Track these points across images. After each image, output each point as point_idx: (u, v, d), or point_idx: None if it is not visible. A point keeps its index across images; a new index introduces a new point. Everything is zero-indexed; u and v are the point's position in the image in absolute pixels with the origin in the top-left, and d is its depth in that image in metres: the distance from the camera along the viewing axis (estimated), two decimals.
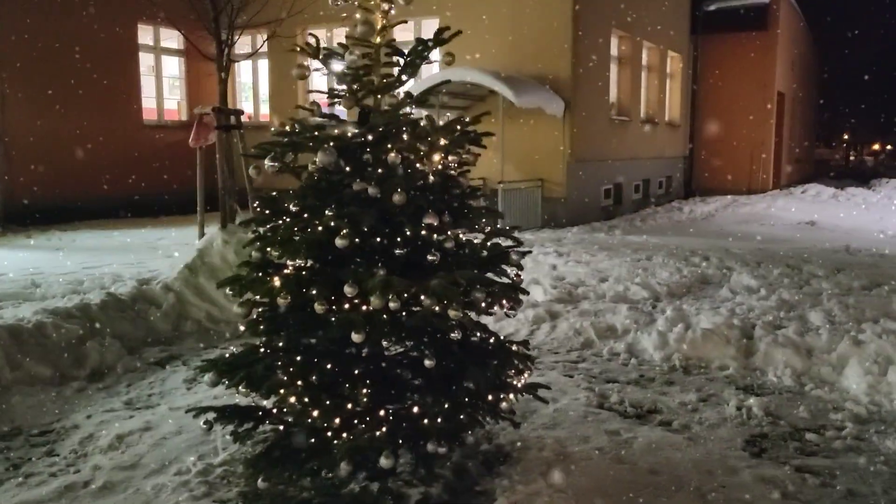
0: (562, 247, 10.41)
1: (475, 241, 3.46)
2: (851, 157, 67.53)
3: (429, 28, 15.91)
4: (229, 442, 3.88)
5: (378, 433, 2.98)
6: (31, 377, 4.89)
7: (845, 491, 3.50)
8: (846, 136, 68.08)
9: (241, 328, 3.39)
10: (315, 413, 3.02)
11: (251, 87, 17.97)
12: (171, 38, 16.71)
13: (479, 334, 3.44)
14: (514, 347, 3.58)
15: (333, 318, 3.14)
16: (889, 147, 69.78)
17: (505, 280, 3.38)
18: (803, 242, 12.20)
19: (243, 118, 7.16)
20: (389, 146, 3.22)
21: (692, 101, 22.00)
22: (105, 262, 9.11)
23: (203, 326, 6.34)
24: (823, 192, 21.24)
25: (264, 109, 17.66)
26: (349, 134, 3.27)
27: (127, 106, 15.23)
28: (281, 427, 3.38)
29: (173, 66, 17.07)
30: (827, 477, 3.64)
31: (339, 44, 3.60)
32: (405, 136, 3.26)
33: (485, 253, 3.44)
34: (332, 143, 3.14)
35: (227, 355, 3.48)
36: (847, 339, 5.48)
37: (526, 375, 3.43)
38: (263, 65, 17.30)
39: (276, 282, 3.20)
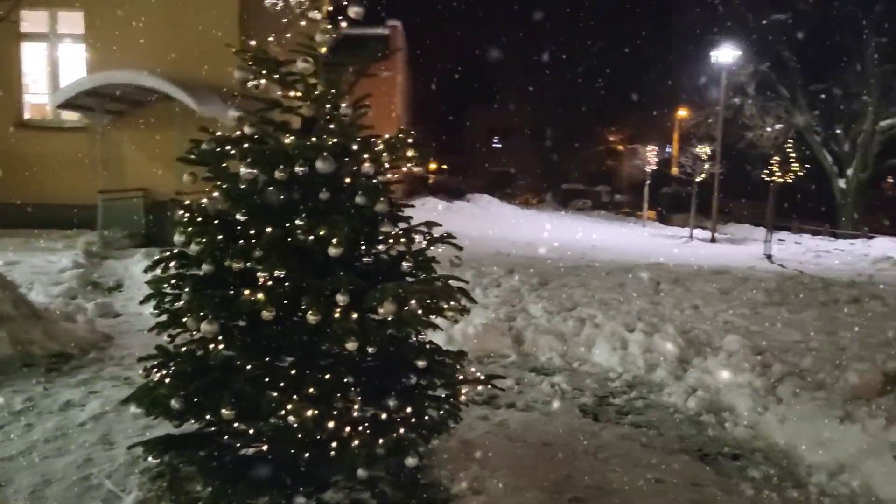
0: None
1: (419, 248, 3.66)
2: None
3: (67, 21, 14.22)
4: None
5: (395, 434, 3.05)
6: None
7: (675, 436, 4.54)
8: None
9: (217, 346, 3.10)
10: (330, 424, 2.96)
11: None
12: None
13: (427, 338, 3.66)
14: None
15: (322, 329, 3.10)
16: (444, 166, 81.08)
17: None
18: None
19: None
20: (366, 156, 3.28)
21: None
22: None
23: None
24: (440, 204, 24.16)
25: None
26: (330, 143, 3.24)
27: None
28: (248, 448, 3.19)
29: None
30: (656, 429, 4.65)
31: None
32: (380, 147, 3.34)
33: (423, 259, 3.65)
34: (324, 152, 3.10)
35: (171, 379, 3.16)
36: (588, 323, 6.76)
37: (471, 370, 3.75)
38: None
39: (260, 295, 3.03)
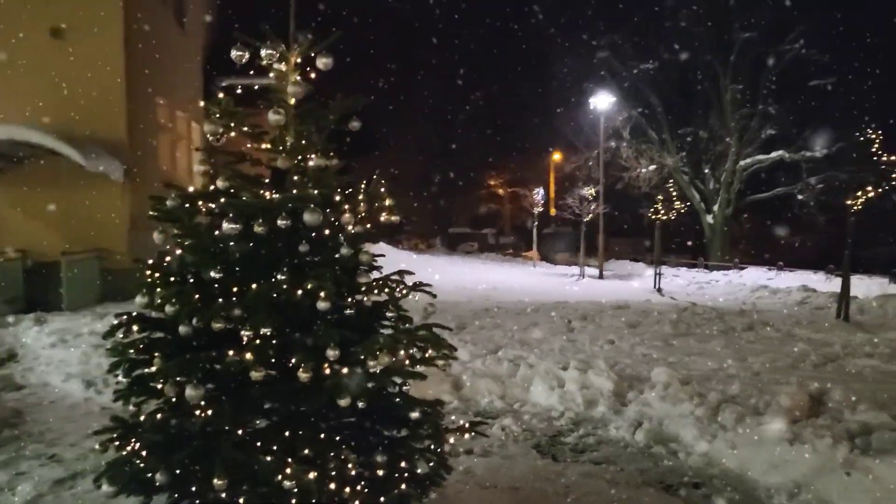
0: None
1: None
2: None
3: None
4: None
5: (397, 491, 2.95)
6: None
7: (635, 470, 4.63)
8: None
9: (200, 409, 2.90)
10: (332, 486, 2.83)
11: None
12: None
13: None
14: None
15: (315, 385, 2.99)
16: None
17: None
18: None
19: None
20: (347, 207, 3.23)
21: None
22: None
23: None
24: None
25: None
26: (314, 194, 3.15)
27: None
28: None
29: None
30: (614, 464, 4.73)
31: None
32: (360, 198, 3.29)
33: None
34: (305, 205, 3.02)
35: (147, 452, 2.94)
36: (524, 364, 6.84)
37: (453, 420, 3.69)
38: None
39: (248, 355, 2.89)
